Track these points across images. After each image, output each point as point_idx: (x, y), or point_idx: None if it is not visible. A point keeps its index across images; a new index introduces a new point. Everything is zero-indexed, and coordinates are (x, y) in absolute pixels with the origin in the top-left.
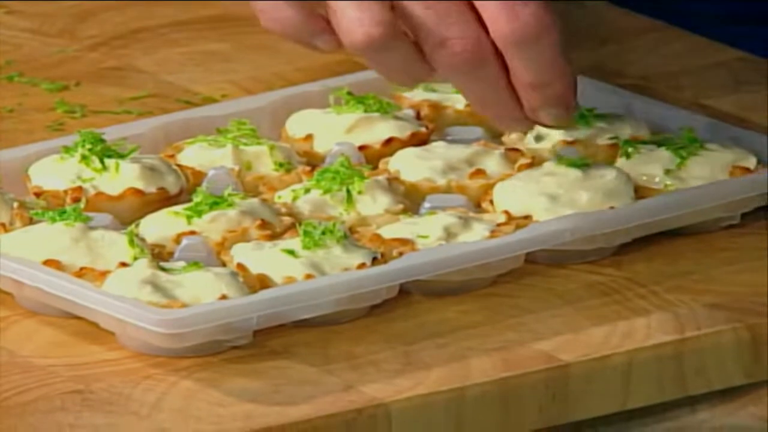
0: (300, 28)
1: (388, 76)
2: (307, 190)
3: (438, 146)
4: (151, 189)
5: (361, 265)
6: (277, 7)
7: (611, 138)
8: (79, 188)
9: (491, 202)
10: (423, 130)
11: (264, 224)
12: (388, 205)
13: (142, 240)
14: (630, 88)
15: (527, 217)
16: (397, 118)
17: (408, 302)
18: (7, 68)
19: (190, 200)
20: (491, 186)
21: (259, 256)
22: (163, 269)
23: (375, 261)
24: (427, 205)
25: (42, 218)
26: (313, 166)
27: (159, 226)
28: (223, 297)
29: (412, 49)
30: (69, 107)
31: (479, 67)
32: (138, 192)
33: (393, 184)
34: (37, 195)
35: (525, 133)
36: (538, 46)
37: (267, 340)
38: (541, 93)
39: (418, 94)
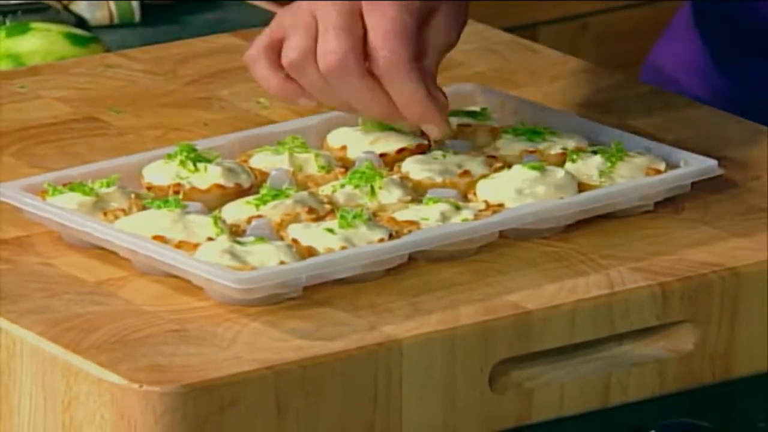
0: (284, 93)
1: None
2: (342, 186)
3: (436, 154)
4: (230, 184)
5: (381, 240)
6: (266, 76)
7: (561, 148)
8: (179, 184)
9: (475, 194)
10: (425, 142)
11: (311, 210)
12: (400, 197)
13: (223, 221)
14: (573, 112)
15: (501, 205)
16: (406, 134)
17: (415, 266)
18: (126, 99)
19: (257, 193)
20: (475, 183)
21: (308, 233)
22: (238, 242)
23: (391, 236)
24: (428, 196)
25: (151, 206)
26: (347, 168)
27: (235, 211)
28: (282, 262)
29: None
30: (171, 126)
31: (343, 79)
32: (220, 187)
33: (404, 181)
34: (148, 189)
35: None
36: (392, 80)
37: (313, 294)
38: (405, 112)
39: None
